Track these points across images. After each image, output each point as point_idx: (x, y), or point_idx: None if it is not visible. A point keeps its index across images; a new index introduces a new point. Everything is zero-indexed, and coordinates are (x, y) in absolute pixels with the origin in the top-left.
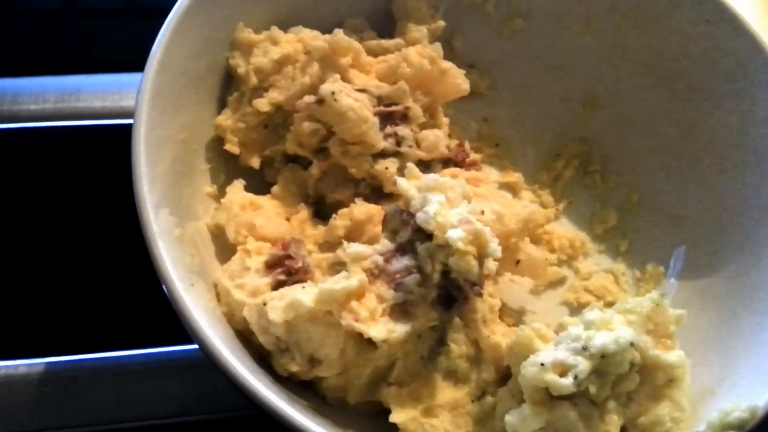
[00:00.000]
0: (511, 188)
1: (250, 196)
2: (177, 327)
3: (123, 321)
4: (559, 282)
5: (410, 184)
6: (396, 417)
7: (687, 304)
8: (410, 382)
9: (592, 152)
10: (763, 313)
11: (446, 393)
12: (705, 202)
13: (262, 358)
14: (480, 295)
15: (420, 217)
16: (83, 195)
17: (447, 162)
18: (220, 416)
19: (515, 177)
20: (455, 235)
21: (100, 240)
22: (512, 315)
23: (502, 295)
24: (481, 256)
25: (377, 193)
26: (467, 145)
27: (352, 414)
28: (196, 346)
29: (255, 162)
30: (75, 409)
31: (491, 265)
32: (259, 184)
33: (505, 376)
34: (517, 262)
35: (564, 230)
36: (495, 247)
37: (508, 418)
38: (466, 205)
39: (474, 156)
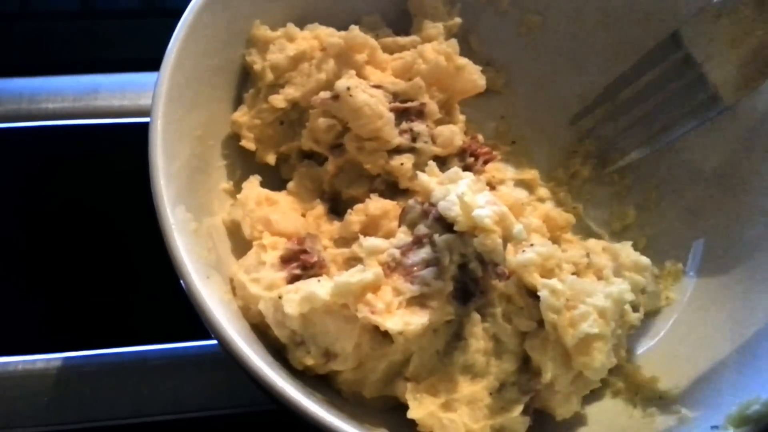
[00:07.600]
0: (528, 185)
1: (266, 191)
2: (194, 323)
3: (140, 317)
4: None
5: (431, 179)
6: (414, 413)
7: (707, 299)
8: (427, 378)
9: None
10: None
11: (463, 387)
12: (722, 197)
13: (277, 352)
14: (503, 275)
15: (442, 205)
16: (101, 193)
17: (462, 153)
18: (236, 411)
19: (532, 174)
20: (483, 213)
21: (118, 237)
22: None
23: None
24: (506, 238)
25: (392, 189)
26: (480, 137)
27: (368, 409)
28: (213, 342)
29: (271, 158)
30: (92, 405)
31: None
32: (274, 181)
33: (525, 361)
34: None
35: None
36: (520, 228)
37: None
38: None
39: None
